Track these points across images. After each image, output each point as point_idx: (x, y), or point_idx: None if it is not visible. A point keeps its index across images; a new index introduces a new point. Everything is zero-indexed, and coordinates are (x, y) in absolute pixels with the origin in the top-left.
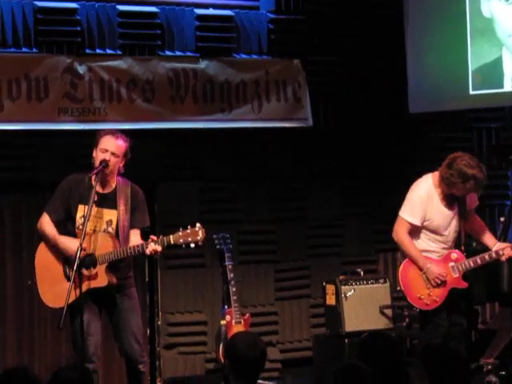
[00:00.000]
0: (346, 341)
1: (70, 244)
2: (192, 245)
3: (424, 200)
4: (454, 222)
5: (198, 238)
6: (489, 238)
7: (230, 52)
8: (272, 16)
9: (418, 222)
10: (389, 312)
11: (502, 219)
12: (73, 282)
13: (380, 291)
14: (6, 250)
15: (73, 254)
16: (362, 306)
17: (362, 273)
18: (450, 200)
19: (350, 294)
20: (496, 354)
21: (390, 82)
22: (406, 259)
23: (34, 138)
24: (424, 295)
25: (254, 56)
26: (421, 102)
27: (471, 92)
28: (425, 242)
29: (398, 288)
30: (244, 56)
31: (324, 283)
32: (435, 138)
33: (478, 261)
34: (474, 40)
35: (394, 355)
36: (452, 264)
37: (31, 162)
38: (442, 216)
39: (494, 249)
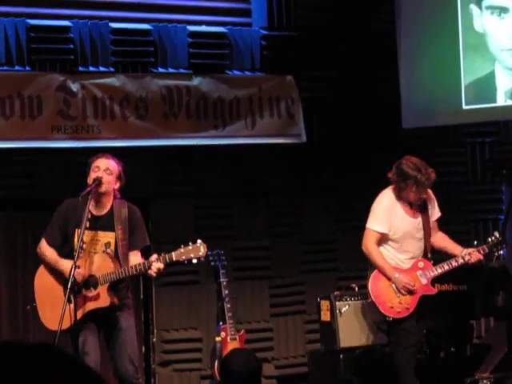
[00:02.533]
0: (341, 356)
1: (68, 267)
2: (194, 261)
3: (387, 209)
4: (420, 231)
5: (200, 253)
6: (455, 247)
7: (222, 69)
8: (265, 32)
9: (385, 230)
10: (384, 327)
11: (496, 234)
12: (68, 302)
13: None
14: (1, 267)
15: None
16: (356, 322)
17: (356, 288)
18: (412, 208)
19: (344, 309)
20: (491, 369)
21: (383, 98)
22: (375, 270)
23: (27, 156)
24: (395, 304)
25: (247, 72)
26: (414, 117)
27: (464, 107)
28: (392, 253)
29: (369, 300)
30: (237, 72)
31: (319, 299)
32: (429, 153)
33: (445, 266)
34: (466, 55)
35: (388, 371)
36: (420, 272)
37: (25, 180)
38: (407, 224)
39: (461, 254)
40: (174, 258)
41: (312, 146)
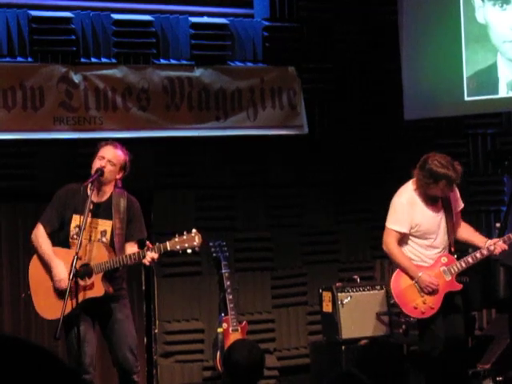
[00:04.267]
0: (343, 348)
1: (60, 271)
2: (189, 250)
3: (407, 206)
4: (443, 225)
5: (195, 243)
6: (478, 239)
7: (224, 60)
8: (266, 23)
9: (405, 230)
10: (386, 319)
11: (497, 225)
12: (69, 291)
13: (377, 298)
14: (3, 259)
15: (60, 280)
16: (358, 313)
17: (358, 280)
18: (433, 203)
19: (346, 300)
20: (493, 360)
21: (385, 89)
22: (397, 270)
23: (29, 147)
24: (419, 304)
25: (249, 64)
26: (416, 108)
27: (466, 98)
28: (416, 249)
29: (392, 301)
30: (239, 64)
31: (320, 290)
32: (431, 145)
33: (470, 260)
34: (468, 46)
35: (394, 363)
36: (443, 268)
37: (27, 172)
38: (429, 219)
39: (485, 246)
40: (169, 248)
41: (314, 138)
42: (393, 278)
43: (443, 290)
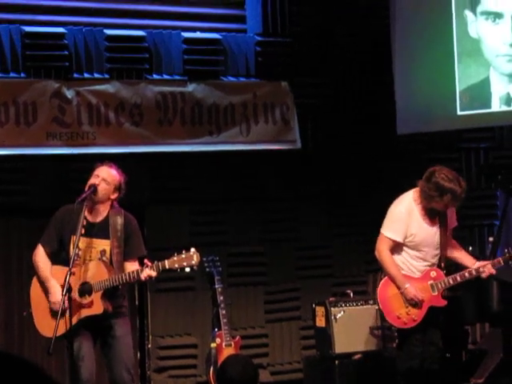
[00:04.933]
0: (337, 362)
1: (56, 292)
2: (187, 269)
3: (404, 216)
4: (437, 239)
5: (193, 262)
6: (467, 259)
7: (217, 75)
8: (259, 39)
9: (399, 239)
10: (379, 333)
11: (491, 239)
12: (61, 306)
13: (370, 312)
14: None
15: (55, 303)
16: (352, 328)
17: (351, 294)
18: (431, 216)
19: (339, 315)
20: (486, 375)
21: (378, 103)
22: (385, 278)
23: (22, 163)
24: (402, 314)
25: (242, 79)
26: (409, 122)
27: (459, 112)
28: (407, 259)
29: (377, 307)
30: (232, 79)
31: (314, 305)
32: (424, 159)
33: (458, 278)
34: (461, 60)
35: (387, 377)
36: (431, 282)
37: (20, 187)
38: (424, 231)
39: (474, 267)
40: (167, 266)
41: (307, 152)
42: (380, 285)
43: (427, 304)
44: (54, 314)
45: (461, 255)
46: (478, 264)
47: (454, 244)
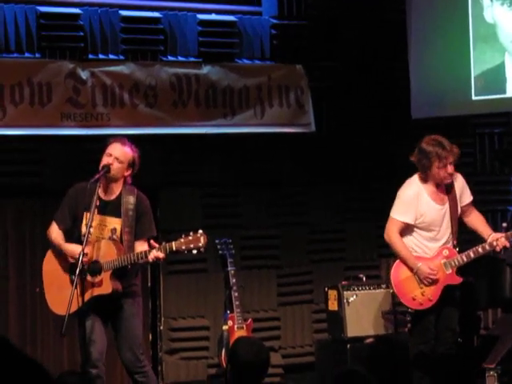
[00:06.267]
0: (348, 346)
1: (74, 248)
2: (194, 251)
3: (413, 197)
4: (447, 218)
5: (200, 244)
6: (484, 229)
7: (232, 57)
8: (274, 21)
9: (409, 220)
10: (391, 317)
11: (504, 225)
12: (75, 288)
13: (382, 296)
14: (9, 255)
15: (75, 253)
16: (364, 312)
17: (364, 278)
18: (439, 195)
19: (352, 299)
20: (498, 360)
21: (392, 88)
22: (397, 260)
23: (36, 143)
24: (417, 295)
25: (257, 61)
26: (423, 107)
27: (474, 97)
28: (419, 241)
29: (391, 290)
30: (246, 61)
31: (326, 288)
32: None
33: (471, 254)
34: (476, 45)
35: (401, 362)
36: (444, 261)
37: (34, 167)
38: (433, 211)
39: (488, 240)
40: (174, 248)
41: (321, 136)
42: (393, 268)
43: (442, 283)
44: (67, 290)
45: (479, 226)
46: (491, 237)
47: (475, 215)
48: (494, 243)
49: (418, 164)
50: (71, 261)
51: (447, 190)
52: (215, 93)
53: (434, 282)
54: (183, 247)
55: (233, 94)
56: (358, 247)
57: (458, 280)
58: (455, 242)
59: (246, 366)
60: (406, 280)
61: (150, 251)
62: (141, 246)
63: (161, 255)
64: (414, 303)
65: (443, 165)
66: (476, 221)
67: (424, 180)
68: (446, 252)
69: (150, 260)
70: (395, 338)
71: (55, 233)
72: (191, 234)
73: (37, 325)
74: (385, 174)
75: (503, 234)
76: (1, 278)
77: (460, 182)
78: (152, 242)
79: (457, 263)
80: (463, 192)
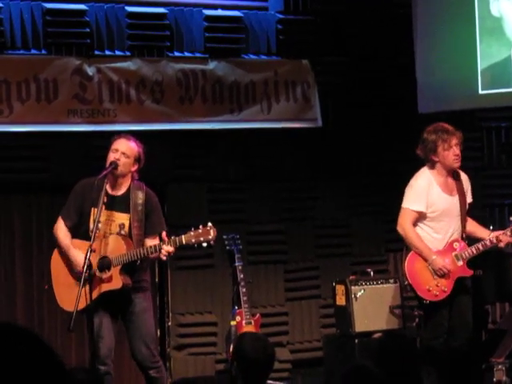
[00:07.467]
0: (356, 341)
1: (79, 260)
2: (204, 244)
3: (424, 186)
4: (457, 209)
5: (210, 237)
6: (482, 231)
7: (238, 53)
8: (281, 16)
9: (423, 208)
10: (399, 312)
11: (511, 218)
12: (82, 284)
13: (390, 291)
14: (16, 251)
15: (80, 269)
16: (372, 307)
17: (371, 273)
18: (448, 186)
19: (360, 294)
20: (506, 354)
21: (399, 82)
22: (411, 252)
23: (43, 140)
24: (432, 286)
25: (263, 56)
26: (430, 101)
27: (480, 91)
28: (430, 234)
29: (406, 282)
30: (253, 56)
31: (334, 283)
32: None
33: (480, 247)
34: (483, 39)
35: (410, 357)
36: (455, 253)
37: (40, 164)
38: (444, 201)
39: (491, 236)
40: (184, 242)
41: (327, 131)
42: (407, 259)
43: (455, 275)
44: (75, 287)
45: (476, 229)
46: (491, 235)
47: (469, 219)
48: (494, 240)
49: (424, 155)
50: (76, 269)
51: (456, 183)
52: (222, 88)
53: (448, 274)
54: (193, 240)
55: (239, 90)
56: (364, 242)
57: (470, 272)
58: (464, 235)
59: (252, 362)
60: (420, 271)
61: (160, 245)
62: (151, 242)
63: (171, 249)
64: (430, 294)
65: (448, 146)
66: (472, 225)
67: (433, 170)
68: (456, 245)
69: (163, 257)
70: (403, 332)
71: (63, 232)
72: (201, 227)
73: (44, 321)
74: (392, 168)
75: (502, 232)
76: (8, 274)
77: (467, 182)
78: (163, 235)
79: (467, 255)
80: (468, 191)
